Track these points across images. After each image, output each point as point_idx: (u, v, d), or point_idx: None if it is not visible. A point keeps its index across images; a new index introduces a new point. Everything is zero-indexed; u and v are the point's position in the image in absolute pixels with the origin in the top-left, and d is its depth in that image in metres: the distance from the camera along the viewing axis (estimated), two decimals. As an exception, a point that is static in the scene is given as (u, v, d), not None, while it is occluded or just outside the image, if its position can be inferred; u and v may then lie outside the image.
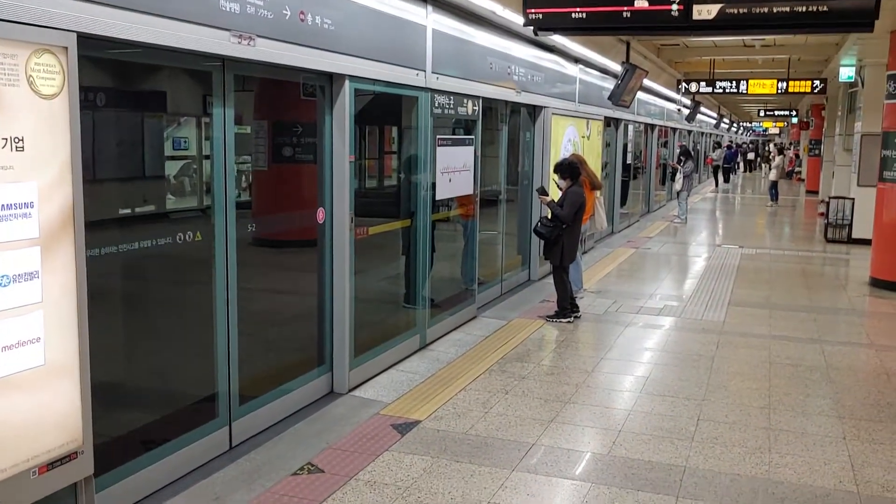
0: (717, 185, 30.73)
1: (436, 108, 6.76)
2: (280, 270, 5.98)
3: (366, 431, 4.85)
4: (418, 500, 3.94)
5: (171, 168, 5.03)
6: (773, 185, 22.68)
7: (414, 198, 6.69)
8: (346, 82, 5.35)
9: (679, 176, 17.64)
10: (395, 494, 3.99)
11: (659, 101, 19.46)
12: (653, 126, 19.24)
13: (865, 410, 5.44)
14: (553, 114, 9.96)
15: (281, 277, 5.91)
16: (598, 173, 11.36)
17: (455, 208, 7.82)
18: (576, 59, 11.28)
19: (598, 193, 9.08)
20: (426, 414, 5.15)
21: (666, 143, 22.40)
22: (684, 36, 15.07)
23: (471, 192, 7.74)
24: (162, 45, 3.73)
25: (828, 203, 14.95)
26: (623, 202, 16.19)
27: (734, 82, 19.27)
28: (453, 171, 7.19)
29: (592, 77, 12.32)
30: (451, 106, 7.10)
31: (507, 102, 8.92)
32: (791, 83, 18.69)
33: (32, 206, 2.97)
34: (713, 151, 33.60)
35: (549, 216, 7.76)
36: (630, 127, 16.29)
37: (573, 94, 11.20)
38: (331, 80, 5.37)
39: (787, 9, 5.47)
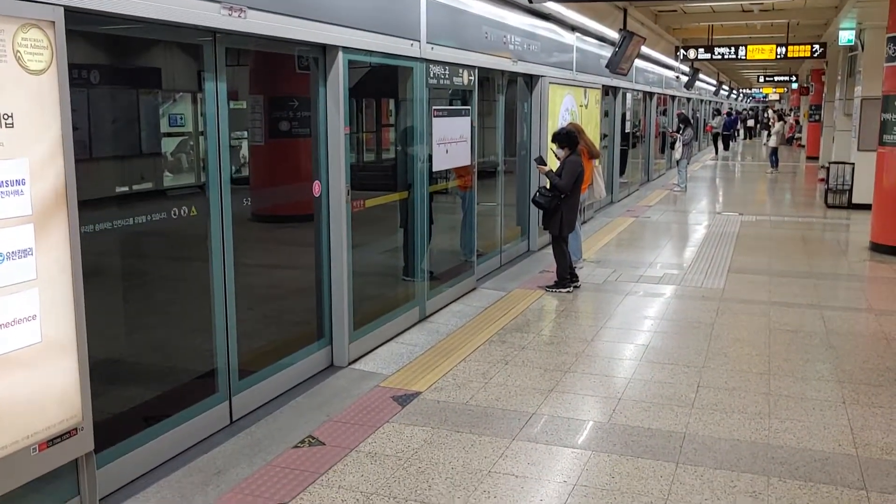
0: (716, 152, 30.62)
1: (431, 78, 6.70)
2: (279, 245, 5.98)
3: (366, 404, 4.86)
4: (419, 470, 3.96)
5: (168, 145, 4.99)
6: (773, 152, 22.60)
7: (411, 170, 6.66)
8: (340, 54, 5.30)
9: (678, 144, 17.56)
10: (396, 465, 4.01)
11: (657, 69, 19.31)
12: (651, 94, 19.11)
13: (865, 375, 5.45)
14: (550, 83, 9.89)
15: (280, 252, 5.90)
16: (597, 142, 11.30)
17: (453, 180, 7.79)
18: (572, 28, 11.17)
19: (596, 162, 9.03)
20: (426, 385, 5.16)
21: (665, 111, 22.27)
22: (681, 0, 14.91)
23: (468, 163, 7.70)
24: (149, 19, 3.68)
25: (828, 168, 14.90)
26: (622, 171, 16.13)
27: (733, 48, 19.14)
28: (450, 142, 7.15)
29: (589, 45, 12.21)
30: (447, 76, 7.04)
31: (503, 72, 8.85)
32: (790, 48, 18.55)
33: (24, 184, 2.94)
34: (712, 119, 33.44)
35: (548, 186, 7.73)
36: (628, 95, 16.18)
37: (570, 62, 11.11)
38: (324, 52, 5.32)
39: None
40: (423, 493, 3.72)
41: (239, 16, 4.23)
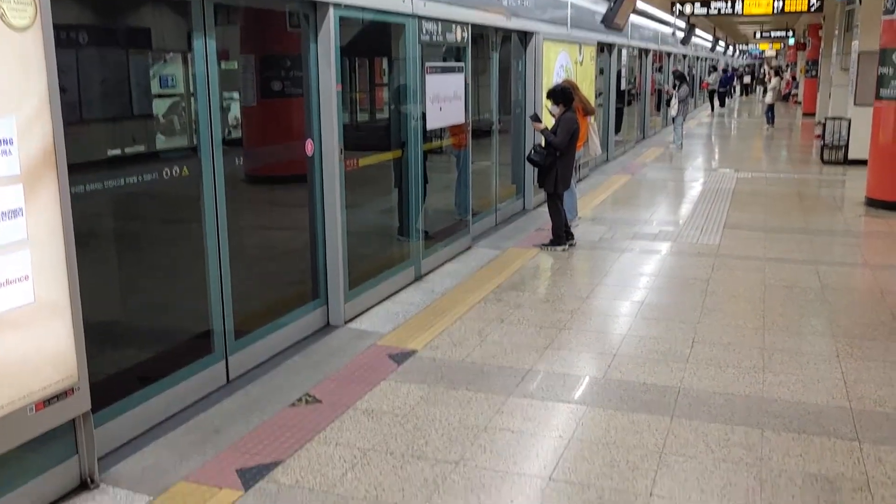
0: (712, 109, 30.43)
1: (423, 35, 6.61)
2: (273, 206, 5.96)
3: (363, 362, 4.88)
4: (416, 426, 3.99)
5: (160, 107, 4.94)
6: (770, 108, 22.45)
7: (404, 128, 6.60)
8: (331, 10, 5.21)
9: (674, 101, 17.44)
10: (393, 422, 4.04)
11: (653, 25, 19.10)
12: (647, 51, 18.93)
13: (859, 329, 5.48)
14: (544, 39, 9.77)
15: (274, 213, 5.88)
16: (592, 99, 11.21)
17: (447, 138, 7.73)
18: (567, -18, 11.01)
19: (591, 119, 8.97)
20: (422, 344, 5.17)
21: (661, 68, 22.08)
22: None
23: (462, 121, 7.64)
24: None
25: (824, 124, 14.82)
26: (618, 129, 16.03)
27: (729, 2, 18.91)
28: (443, 99, 7.08)
29: (584, 1, 12.05)
30: (440, 33, 6.95)
31: (497, 29, 8.73)
32: (787, 1, 18.34)
33: (11, 143, 2.90)
34: (709, 76, 33.18)
35: (543, 143, 7.68)
36: (624, 52, 16.02)
37: (565, 18, 10.97)
38: (314, 9, 5.23)
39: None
40: (420, 449, 3.75)
41: (227, -29, 4.15)
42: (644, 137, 19.59)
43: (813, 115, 23.12)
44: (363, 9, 5.70)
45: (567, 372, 4.72)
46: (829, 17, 20.82)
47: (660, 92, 21.77)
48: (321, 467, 3.58)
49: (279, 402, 4.29)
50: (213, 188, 4.38)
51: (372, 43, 6.92)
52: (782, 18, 28.92)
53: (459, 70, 7.47)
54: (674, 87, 18.01)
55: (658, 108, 22.01)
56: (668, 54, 22.86)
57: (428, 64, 6.73)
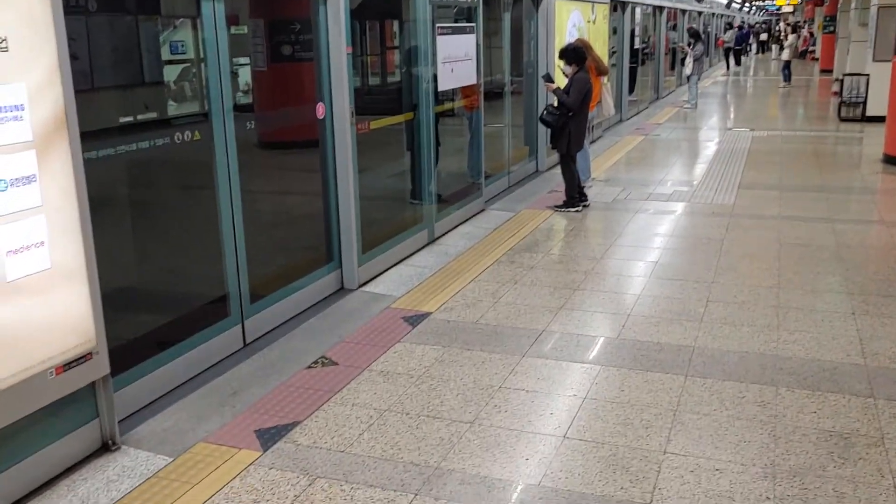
0: (728, 68, 30.01)
1: (434, -5, 6.54)
2: (286, 171, 5.95)
3: (377, 325, 4.91)
4: (431, 387, 4.02)
5: (171, 73, 4.92)
6: (786, 66, 22.13)
7: (416, 91, 6.56)
8: (340, -29, 5.16)
9: (689, 60, 17.20)
10: (408, 383, 4.07)
11: (667, -18, 18.79)
12: (661, 8, 18.63)
13: (875, 286, 5.45)
14: (557, -2, 9.64)
15: (287, 178, 5.88)
16: (605, 59, 11.08)
17: (459, 100, 7.68)
18: (579, -61, 10.82)
19: (604, 79, 8.87)
20: (436, 306, 5.19)
21: (675, 26, 21.75)
22: None
23: (474, 81, 7.57)
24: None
25: (842, 81, 14.60)
26: (631, 89, 15.86)
27: (746, -42, 18.51)
28: (455, 60, 7.02)
29: (597, -42, 11.86)
30: (451, -7, 6.87)
31: (508, -12, 8.62)
32: (805, -44, 17.93)
33: (23, 109, 2.91)
34: (724, 33, 32.67)
35: (556, 104, 7.62)
36: (637, 10, 15.79)
37: (577, -24, 10.80)
38: (323, -30, 5.18)
39: None
40: (436, 409, 3.78)
41: (234, -68, 4.10)
42: (658, 97, 19.38)
43: (830, 71, 22.75)
44: (372, -31, 5.64)
45: (581, 332, 4.74)
46: (847, -30, 20.39)
47: (674, 51, 21.47)
48: (338, 428, 3.62)
49: (295, 364, 4.33)
50: (225, 153, 4.38)
51: (382, 5, 6.85)
52: (799, -27, 28.36)
53: (471, 30, 7.39)
54: (688, 46, 17.75)
55: (672, 68, 21.73)
56: (683, 12, 22.51)
57: (439, 25, 6.66)
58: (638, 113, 16.21)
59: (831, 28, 25.13)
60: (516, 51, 9.51)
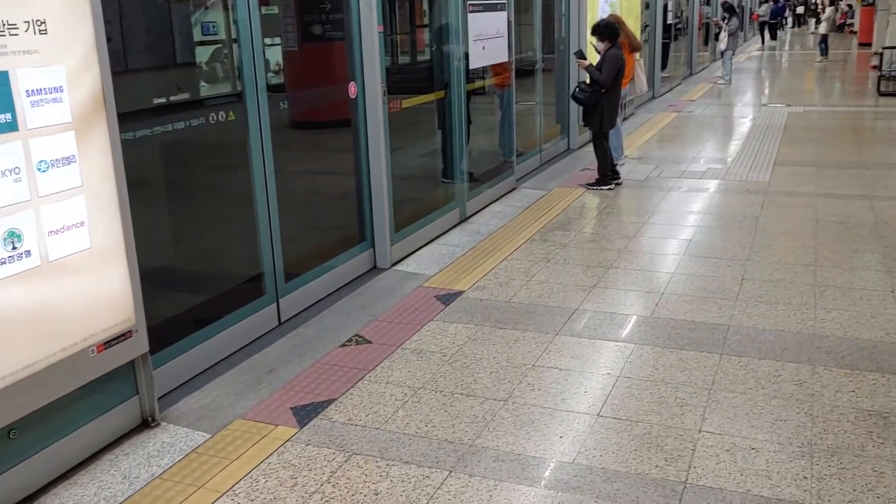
0: (763, 42, 29.47)
1: (465, -28, 6.49)
2: (319, 151, 5.97)
3: (410, 303, 4.93)
4: (464, 365, 4.04)
5: (203, 54, 4.95)
6: (823, 40, 21.68)
7: (447, 69, 6.53)
8: (371, -52, 5.14)
9: (723, 34, 16.92)
10: (441, 361, 4.09)
11: (701, -45, 18.47)
12: (695, -18, 18.33)
13: (915, 263, 5.36)
14: (589, -27, 9.52)
15: (320, 158, 5.90)
16: (638, 34, 10.93)
17: (490, 77, 7.64)
18: (612, -87, 10.66)
19: (637, 55, 8.77)
20: (469, 284, 5.20)
21: (709, 0, 21.39)
22: None
23: (506, 59, 7.52)
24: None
25: (881, 54, 14.29)
26: (664, 65, 15.65)
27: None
28: (486, 38, 6.97)
29: (630, -69, 11.68)
30: (482, -31, 6.82)
31: (540, -37, 8.53)
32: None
33: (62, 91, 2.95)
34: (759, 7, 32.04)
35: (588, 81, 7.55)
36: (671, -16, 15.55)
37: (610, -50, 10.65)
38: (354, -52, 5.16)
39: None
40: (469, 387, 3.80)
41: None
42: (691, 73, 19.11)
43: (869, 45, 22.26)
44: (403, -54, 5.61)
45: (614, 310, 4.72)
46: (888, -61, 19.87)
47: (707, 25, 21.12)
48: (373, 405, 3.65)
49: (330, 342, 4.37)
50: (259, 133, 4.41)
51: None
52: (838, -56, 27.70)
53: (502, 7, 7.33)
54: (723, 20, 17.45)
55: (706, 43, 21.38)
56: (717, -15, 22.12)
57: (470, 2, 6.62)
58: (671, 89, 16.01)
59: (870, 0, 24.55)
60: (548, 27, 9.42)
